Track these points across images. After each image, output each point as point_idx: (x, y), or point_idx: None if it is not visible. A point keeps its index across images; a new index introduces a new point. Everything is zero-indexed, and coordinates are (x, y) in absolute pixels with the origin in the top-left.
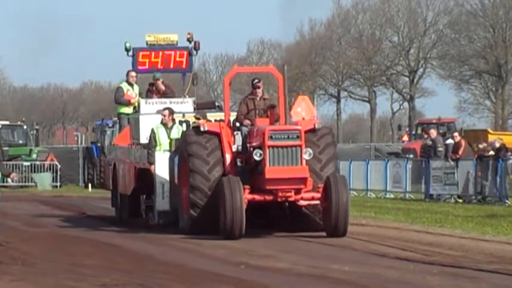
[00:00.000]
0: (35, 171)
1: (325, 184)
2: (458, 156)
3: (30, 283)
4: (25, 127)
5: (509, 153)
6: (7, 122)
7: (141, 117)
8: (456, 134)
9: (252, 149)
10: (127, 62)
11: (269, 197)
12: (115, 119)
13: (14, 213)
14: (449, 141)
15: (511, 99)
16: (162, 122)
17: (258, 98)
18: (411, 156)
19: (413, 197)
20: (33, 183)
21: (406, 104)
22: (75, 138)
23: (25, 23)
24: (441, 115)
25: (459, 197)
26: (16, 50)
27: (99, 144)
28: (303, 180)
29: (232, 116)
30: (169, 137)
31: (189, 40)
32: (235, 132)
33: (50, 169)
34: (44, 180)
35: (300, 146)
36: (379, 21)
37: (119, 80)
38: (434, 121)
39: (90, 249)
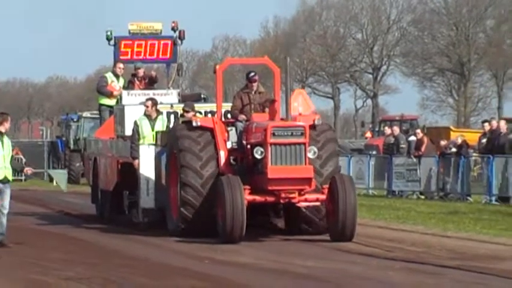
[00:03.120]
0: None
1: (331, 185)
2: (420, 153)
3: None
4: None
5: (471, 151)
6: None
7: (126, 108)
8: (419, 131)
9: (250, 146)
10: (94, 56)
11: (271, 198)
12: (85, 113)
13: None
14: (412, 138)
15: (473, 96)
16: (145, 114)
17: (253, 92)
18: (374, 152)
19: (376, 193)
20: None
21: (369, 101)
22: (40, 132)
23: None
24: (404, 112)
25: (421, 193)
26: None
27: (64, 139)
28: (308, 181)
29: (224, 108)
30: (153, 129)
31: (173, 29)
32: (229, 128)
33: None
34: (61, 177)
35: (305, 143)
36: (343, 18)
37: (85, 75)
38: (397, 118)
39: (57, 243)
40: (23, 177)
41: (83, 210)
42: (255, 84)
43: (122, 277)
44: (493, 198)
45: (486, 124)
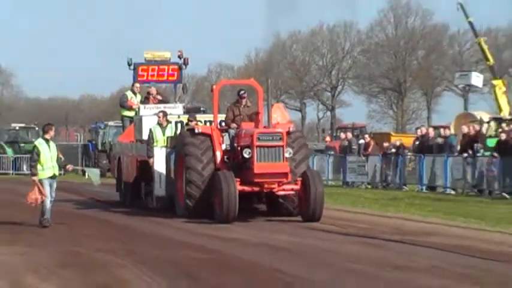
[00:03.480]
0: None
1: (303, 178)
2: (368, 152)
3: (39, 248)
4: (37, 128)
5: (407, 151)
6: (23, 125)
7: (143, 118)
8: (366, 136)
9: (240, 148)
10: (117, 78)
11: (257, 188)
12: (109, 122)
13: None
14: (361, 141)
15: (408, 109)
16: (158, 123)
17: (242, 106)
18: (332, 153)
19: (334, 184)
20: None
21: (328, 113)
22: (76, 137)
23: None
24: (355, 121)
25: (368, 183)
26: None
27: (93, 142)
28: (285, 175)
29: (219, 118)
30: (164, 135)
31: (179, 57)
32: (223, 134)
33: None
34: (95, 174)
35: (282, 146)
36: (308, 49)
37: (110, 93)
38: (349, 126)
39: (89, 223)
40: (63, 172)
41: (109, 197)
42: (244, 100)
43: (140, 249)
44: (423, 187)
45: (418, 130)
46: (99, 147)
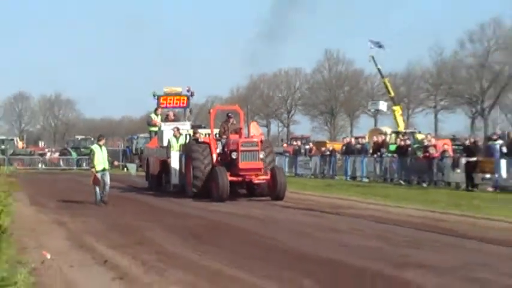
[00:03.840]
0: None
1: (272, 171)
2: (311, 154)
3: (93, 219)
4: (92, 139)
5: (336, 153)
6: (83, 136)
7: (164, 132)
8: (311, 143)
9: (229, 152)
10: (145, 103)
11: (241, 179)
12: (140, 134)
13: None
14: (307, 147)
15: (338, 126)
16: (173, 135)
17: (229, 124)
18: (287, 154)
19: (288, 175)
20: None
21: (285, 129)
22: (118, 144)
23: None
24: (303, 134)
25: (312, 175)
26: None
27: (130, 148)
28: (260, 169)
29: (214, 131)
30: (178, 143)
31: (188, 90)
32: (217, 142)
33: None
34: (133, 167)
35: (258, 150)
36: (272, 86)
37: (142, 115)
38: (299, 137)
39: (129, 202)
40: (111, 166)
41: (141, 185)
42: (231, 120)
43: (162, 219)
44: (348, 177)
45: (344, 139)
46: (133, 151)
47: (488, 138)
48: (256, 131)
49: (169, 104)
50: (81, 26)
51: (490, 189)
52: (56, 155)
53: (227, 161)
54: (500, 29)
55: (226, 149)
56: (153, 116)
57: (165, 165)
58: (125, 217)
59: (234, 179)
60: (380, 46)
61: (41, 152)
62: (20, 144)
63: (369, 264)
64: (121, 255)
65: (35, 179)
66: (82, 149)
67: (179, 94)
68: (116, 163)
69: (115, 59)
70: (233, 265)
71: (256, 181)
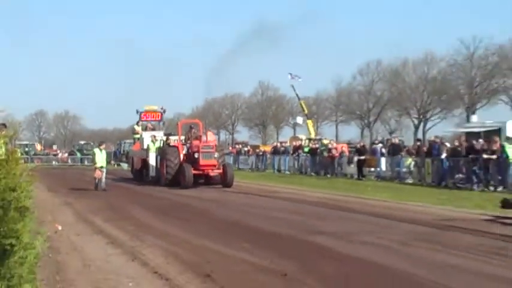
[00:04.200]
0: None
1: (223, 166)
2: (249, 154)
3: (93, 201)
4: (92, 143)
5: (267, 153)
6: (85, 142)
7: (144, 138)
8: (249, 146)
9: (193, 153)
10: (134, 117)
11: (201, 172)
12: (126, 140)
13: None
14: (246, 149)
15: (268, 135)
16: (151, 141)
17: (192, 133)
18: (232, 154)
19: (234, 169)
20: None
21: (231, 136)
22: (111, 147)
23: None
24: (244, 139)
25: (250, 169)
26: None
27: (119, 150)
28: (215, 166)
29: (181, 138)
30: (154, 146)
31: (161, 108)
32: (184, 146)
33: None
34: (125, 165)
35: (213, 151)
36: (221, 106)
37: (128, 125)
38: (240, 142)
39: (120, 189)
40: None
41: (128, 176)
42: (193, 129)
43: (142, 200)
44: (275, 171)
45: (273, 144)
46: (122, 153)
47: (372, 143)
48: (211, 137)
49: (148, 118)
50: (83, 56)
51: (374, 178)
52: (66, 155)
53: (191, 160)
54: (381, 66)
55: (190, 151)
56: (135, 127)
57: (145, 162)
58: (115, 199)
59: (196, 172)
60: (296, 77)
61: (54, 153)
62: (39, 147)
63: (287, 231)
64: (112, 226)
65: (50, 173)
66: (84, 151)
67: (155, 111)
68: (111, 162)
69: (107, 83)
70: (192, 233)
71: (212, 174)
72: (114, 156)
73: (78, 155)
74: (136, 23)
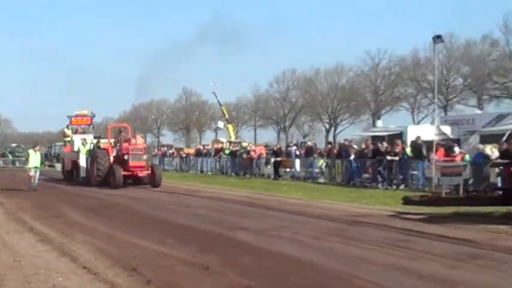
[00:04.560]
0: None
1: (152, 167)
2: (174, 156)
3: (25, 200)
4: (23, 146)
5: (190, 155)
6: (16, 144)
7: (75, 140)
8: (173, 149)
9: (122, 154)
10: (64, 121)
11: (131, 173)
12: (57, 143)
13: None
14: (171, 151)
15: (191, 137)
16: (82, 143)
17: (121, 136)
18: (158, 156)
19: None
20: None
21: (157, 139)
22: (42, 149)
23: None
24: (169, 142)
25: (175, 170)
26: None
27: (50, 152)
28: (144, 167)
29: (111, 141)
30: (85, 148)
31: (91, 112)
32: (113, 148)
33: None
34: (59, 166)
35: (142, 154)
36: (148, 110)
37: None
38: (166, 144)
39: (49, 189)
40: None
41: (59, 177)
42: (122, 133)
43: (72, 199)
44: (198, 172)
45: (197, 146)
46: (53, 155)
47: (288, 146)
48: (140, 140)
49: (78, 122)
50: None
51: (289, 178)
52: None
53: (121, 161)
54: (295, 75)
55: (120, 153)
56: (66, 130)
57: (75, 164)
58: (46, 199)
59: (126, 173)
60: (215, 85)
61: None
62: None
63: (209, 228)
64: (42, 225)
65: None
66: (16, 153)
67: (85, 115)
68: (45, 163)
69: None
70: (120, 229)
71: (141, 174)
72: (46, 158)
73: (10, 157)
74: (62, 33)
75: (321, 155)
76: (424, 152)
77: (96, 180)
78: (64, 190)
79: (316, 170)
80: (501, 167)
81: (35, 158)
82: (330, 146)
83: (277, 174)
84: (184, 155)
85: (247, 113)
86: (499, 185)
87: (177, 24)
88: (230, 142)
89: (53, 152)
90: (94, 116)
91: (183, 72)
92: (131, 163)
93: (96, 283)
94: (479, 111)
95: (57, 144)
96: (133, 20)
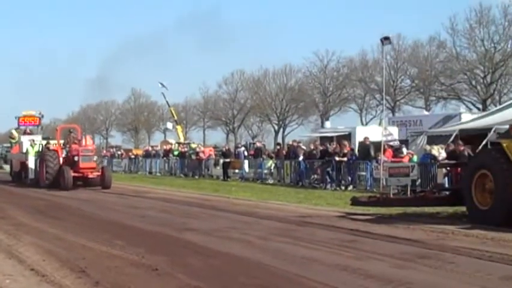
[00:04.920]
0: None
1: (102, 169)
2: (123, 157)
3: None
4: None
5: (139, 156)
6: None
7: (23, 141)
8: (122, 150)
9: (72, 156)
10: (10, 122)
11: (81, 174)
12: (4, 144)
13: None
14: (120, 152)
15: (140, 138)
16: (30, 144)
17: (71, 137)
18: (107, 157)
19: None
20: None
21: (105, 140)
22: None
23: None
24: (117, 143)
25: (123, 171)
26: None
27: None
28: (94, 168)
29: (61, 142)
30: (33, 150)
31: (39, 113)
32: (63, 150)
33: None
34: (7, 167)
35: (93, 155)
36: (96, 111)
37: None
38: (114, 146)
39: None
40: None
41: (7, 178)
42: (72, 134)
43: (21, 202)
44: (147, 173)
45: (145, 148)
46: (0, 155)
47: (236, 147)
48: (90, 142)
49: (26, 123)
50: None
51: (238, 179)
52: None
53: (71, 163)
54: (244, 76)
55: (69, 154)
56: (13, 131)
57: (24, 165)
58: None
59: (76, 174)
60: (164, 86)
61: None
62: None
63: (158, 229)
64: None
65: None
66: None
67: (33, 116)
68: None
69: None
70: (68, 231)
71: (91, 176)
72: None
73: None
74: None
75: (269, 156)
76: (372, 153)
77: (45, 182)
78: (12, 192)
79: (265, 171)
80: (448, 168)
81: None
82: (278, 147)
83: (226, 175)
84: (133, 156)
85: (196, 114)
86: (446, 185)
87: (127, 23)
88: (179, 143)
89: (0, 153)
90: (42, 116)
91: (132, 74)
92: (81, 164)
93: (44, 285)
94: (426, 113)
95: (4, 145)
96: (83, 19)
